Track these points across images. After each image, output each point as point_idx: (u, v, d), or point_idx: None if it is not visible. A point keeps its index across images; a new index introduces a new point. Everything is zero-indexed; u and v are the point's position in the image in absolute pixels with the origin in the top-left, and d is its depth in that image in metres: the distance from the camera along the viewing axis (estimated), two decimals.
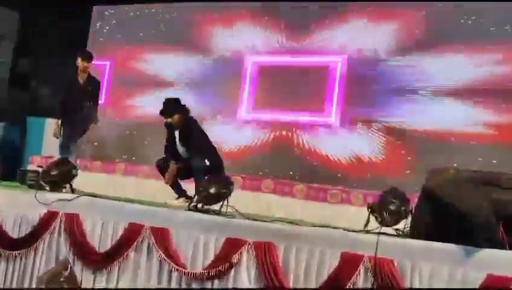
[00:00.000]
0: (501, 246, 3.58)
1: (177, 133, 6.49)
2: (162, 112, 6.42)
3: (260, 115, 9.12)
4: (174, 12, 10.17)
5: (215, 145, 6.70)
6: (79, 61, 7.22)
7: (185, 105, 6.51)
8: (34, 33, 11.25)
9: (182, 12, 10.09)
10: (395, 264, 3.73)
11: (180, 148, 6.46)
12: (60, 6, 10.21)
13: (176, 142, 6.48)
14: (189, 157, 6.29)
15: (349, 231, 4.18)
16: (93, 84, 7.39)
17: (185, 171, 6.32)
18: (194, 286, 4.26)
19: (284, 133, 8.81)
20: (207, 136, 6.56)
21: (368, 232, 4.11)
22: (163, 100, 6.51)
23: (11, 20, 11.71)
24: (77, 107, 7.16)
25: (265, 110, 9.08)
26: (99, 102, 7.73)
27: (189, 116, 6.49)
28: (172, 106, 6.44)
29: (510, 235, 3.63)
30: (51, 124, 7.70)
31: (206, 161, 6.18)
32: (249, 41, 9.41)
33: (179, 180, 6.52)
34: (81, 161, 8.30)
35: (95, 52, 7.84)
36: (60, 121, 7.24)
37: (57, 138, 7.27)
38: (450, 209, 3.71)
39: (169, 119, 6.40)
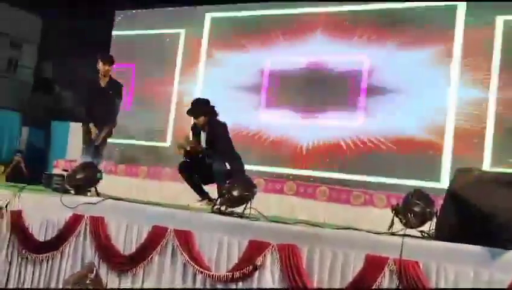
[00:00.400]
0: None
1: (203, 136, 6.41)
2: (188, 112, 6.36)
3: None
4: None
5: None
6: (100, 65, 7.26)
7: (213, 107, 6.36)
8: (57, 37, 11.38)
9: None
10: (420, 266, 3.71)
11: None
12: (82, 9, 10.33)
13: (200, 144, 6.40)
14: (211, 161, 6.22)
15: (373, 233, 4.17)
16: (115, 88, 7.42)
17: (208, 175, 6.26)
18: (218, 288, 4.27)
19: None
20: (231, 142, 6.44)
21: (392, 234, 4.09)
22: (193, 100, 6.45)
23: (34, 25, 11.84)
24: (99, 110, 7.20)
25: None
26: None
27: (216, 119, 6.36)
28: (199, 107, 6.31)
29: None
30: (75, 128, 7.75)
31: (227, 165, 6.10)
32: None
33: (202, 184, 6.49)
34: (106, 164, 8.38)
35: (117, 54, 7.90)
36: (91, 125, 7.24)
37: (93, 141, 7.27)
38: (474, 211, 3.69)
39: (195, 121, 6.35)
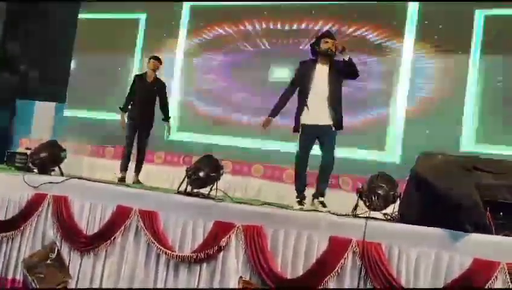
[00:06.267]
0: (488, 231, 3.61)
1: None
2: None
3: None
4: None
5: None
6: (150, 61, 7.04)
7: None
8: (23, 15, 11.16)
9: None
10: (383, 248, 3.75)
11: None
12: None
13: None
14: None
15: (337, 215, 4.20)
16: (161, 85, 7.09)
17: None
18: (182, 268, 4.26)
19: None
20: None
21: (356, 216, 4.13)
22: None
23: None
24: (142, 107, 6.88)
25: None
26: None
27: None
28: None
29: (497, 220, 3.66)
30: (40, 107, 7.52)
31: None
32: None
33: None
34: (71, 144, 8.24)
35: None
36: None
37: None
38: (438, 194, 3.73)
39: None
